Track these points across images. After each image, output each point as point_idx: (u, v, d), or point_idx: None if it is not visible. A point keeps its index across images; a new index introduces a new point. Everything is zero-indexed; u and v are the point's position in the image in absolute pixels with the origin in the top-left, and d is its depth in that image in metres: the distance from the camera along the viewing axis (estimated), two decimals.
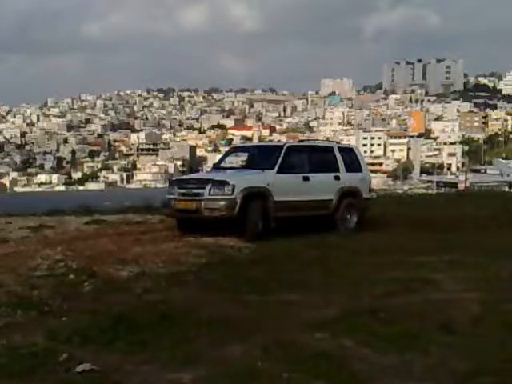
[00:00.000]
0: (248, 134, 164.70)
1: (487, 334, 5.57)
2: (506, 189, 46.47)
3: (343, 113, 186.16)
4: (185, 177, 13.28)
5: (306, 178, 12.27)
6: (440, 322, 5.83)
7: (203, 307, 6.50)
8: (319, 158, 12.96)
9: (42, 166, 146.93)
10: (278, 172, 11.91)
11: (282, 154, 12.17)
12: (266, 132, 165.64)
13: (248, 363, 4.85)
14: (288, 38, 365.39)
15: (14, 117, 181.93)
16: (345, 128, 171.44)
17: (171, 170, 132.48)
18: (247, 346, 5.22)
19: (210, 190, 11.31)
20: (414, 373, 4.75)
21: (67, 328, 5.79)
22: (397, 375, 4.69)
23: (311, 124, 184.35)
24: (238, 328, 5.76)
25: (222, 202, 11.19)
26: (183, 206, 11.66)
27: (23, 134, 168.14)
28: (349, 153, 13.57)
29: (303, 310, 6.38)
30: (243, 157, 13.69)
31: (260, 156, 13.18)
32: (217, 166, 13.46)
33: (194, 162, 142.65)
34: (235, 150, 14.89)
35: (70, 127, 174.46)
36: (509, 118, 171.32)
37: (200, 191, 11.44)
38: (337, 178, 12.91)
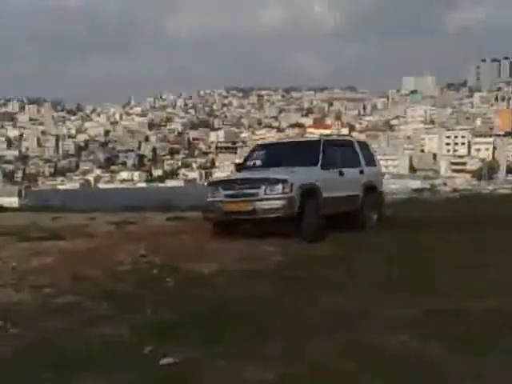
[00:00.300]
0: (327, 132, 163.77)
1: None
2: None
3: (425, 111, 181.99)
4: (230, 177, 12.30)
5: (341, 173, 12.01)
6: None
7: (281, 305, 6.48)
8: (346, 152, 12.64)
9: (124, 164, 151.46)
10: (321, 168, 11.62)
11: (321, 150, 11.86)
12: (345, 130, 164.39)
13: (326, 363, 4.76)
14: (369, 35, 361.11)
15: (99, 116, 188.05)
16: (427, 127, 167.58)
17: None
18: (325, 345, 5.13)
19: (265, 190, 10.81)
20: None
21: (151, 322, 5.90)
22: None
23: (392, 122, 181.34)
24: (315, 326, 5.69)
25: (282, 201, 10.72)
26: (235, 207, 11.00)
27: (107, 133, 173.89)
28: (365, 148, 13.41)
29: (383, 310, 6.20)
30: (271, 155, 12.83)
31: (294, 153, 12.47)
32: (244, 166, 12.75)
33: None
34: (261, 148, 13.73)
35: (151, 126, 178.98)
36: None
37: (254, 191, 10.90)
38: (361, 172, 12.71)
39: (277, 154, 12.77)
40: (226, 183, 11.51)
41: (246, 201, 10.92)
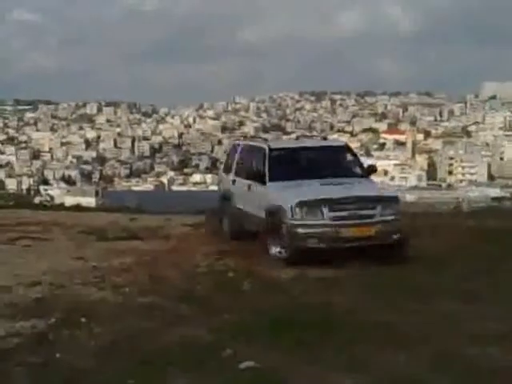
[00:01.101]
0: (401, 138, 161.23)
1: None
2: None
3: (505, 117, 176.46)
4: (332, 196, 9.37)
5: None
6: None
7: (361, 312, 6.41)
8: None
9: (197, 166, 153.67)
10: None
11: (358, 157, 11.08)
12: (420, 136, 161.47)
13: (413, 373, 4.69)
14: (446, 39, 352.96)
15: (173, 118, 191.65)
16: (507, 133, 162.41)
17: None
18: (411, 355, 5.05)
19: (381, 210, 9.30)
20: None
21: (230, 325, 5.93)
22: None
23: (469, 129, 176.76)
24: (400, 335, 5.58)
25: (398, 223, 9.37)
26: (357, 232, 9.17)
27: (180, 135, 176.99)
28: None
29: (469, 322, 6.01)
30: (286, 161, 10.77)
31: (323, 160, 10.84)
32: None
33: None
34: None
35: (224, 129, 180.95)
36: None
37: (370, 212, 9.29)
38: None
39: (294, 160, 10.87)
40: (331, 202, 9.20)
41: (364, 224, 9.24)
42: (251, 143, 12.05)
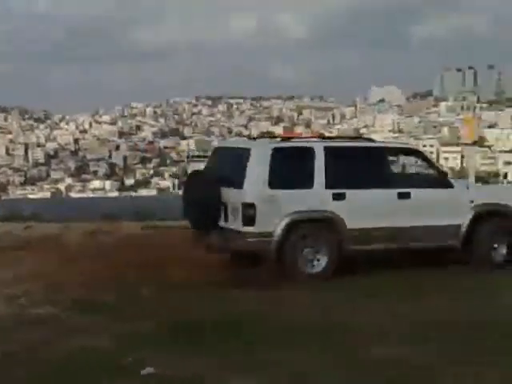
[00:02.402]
0: None
1: None
2: None
3: (393, 120, 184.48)
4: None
5: None
6: None
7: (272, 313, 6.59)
8: None
9: (95, 172, 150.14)
10: None
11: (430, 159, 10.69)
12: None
13: (314, 372, 4.86)
14: (336, 45, 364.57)
15: (67, 124, 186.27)
16: (395, 135, 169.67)
17: None
18: (314, 354, 5.17)
19: None
20: None
21: (132, 332, 6.00)
22: None
23: (361, 131, 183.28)
24: (305, 335, 5.76)
25: None
26: None
27: (76, 141, 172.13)
28: None
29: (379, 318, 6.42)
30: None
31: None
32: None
33: None
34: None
35: (121, 134, 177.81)
36: None
37: None
38: None
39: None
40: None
41: None
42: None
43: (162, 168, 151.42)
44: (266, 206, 8.53)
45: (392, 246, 9.07)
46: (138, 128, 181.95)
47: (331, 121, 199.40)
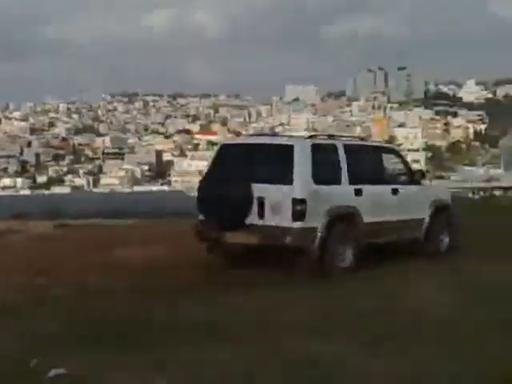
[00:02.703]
0: (214, 138, 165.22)
1: None
2: (470, 195, 48.20)
3: (308, 119, 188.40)
4: None
5: None
6: None
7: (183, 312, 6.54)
8: None
9: (5, 170, 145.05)
10: None
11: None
12: (231, 137, 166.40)
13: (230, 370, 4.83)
14: (252, 43, 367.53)
15: None
16: (310, 134, 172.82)
17: (138, 174, 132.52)
18: (232, 352, 5.14)
19: None
20: None
21: (40, 333, 5.82)
22: None
23: (277, 130, 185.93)
24: (221, 333, 5.81)
25: None
26: None
27: None
28: None
29: (290, 315, 6.83)
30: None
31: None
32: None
33: (160, 167, 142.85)
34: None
35: (32, 130, 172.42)
36: (470, 125, 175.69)
37: None
38: None
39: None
40: None
41: None
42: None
43: (76, 165, 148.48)
44: (312, 201, 8.60)
45: (393, 238, 9.84)
46: (52, 124, 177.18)
47: (247, 119, 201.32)
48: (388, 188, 9.80)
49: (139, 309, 6.78)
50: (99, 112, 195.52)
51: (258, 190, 8.64)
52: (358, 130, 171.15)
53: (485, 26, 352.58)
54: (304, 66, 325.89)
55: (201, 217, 9.27)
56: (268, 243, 8.61)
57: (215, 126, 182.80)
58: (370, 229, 9.31)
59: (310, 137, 9.64)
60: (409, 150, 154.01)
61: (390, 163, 10.37)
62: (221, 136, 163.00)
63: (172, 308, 6.78)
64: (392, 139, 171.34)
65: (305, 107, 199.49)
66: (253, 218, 8.73)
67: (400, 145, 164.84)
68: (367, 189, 9.39)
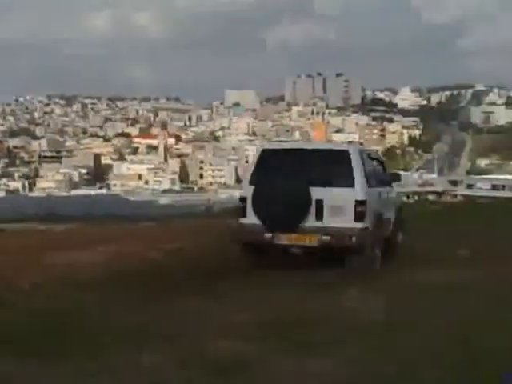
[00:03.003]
0: (153, 142, 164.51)
1: None
2: (405, 199, 49.84)
3: (248, 123, 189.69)
4: None
5: None
6: None
7: (113, 314, 6.38)
8: None
9: None
10: None
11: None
12: (171, 141, 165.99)
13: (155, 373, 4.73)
14: (193, 47, 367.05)
15: None
16: (250, 138, 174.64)
17: (76, 178, 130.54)
18: (159, 355, 5.05)
19: None
20: None
21: None
22: None
23: (217, 134, 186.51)
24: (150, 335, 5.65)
25: None
26: None
27: None
28: None
29: (219, 317, 6.98)
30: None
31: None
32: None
33: (98, 170, 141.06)
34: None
35: None
36: (405, 131, 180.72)
37: None
38: None
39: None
40: None
41: None
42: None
43: (11, 168, 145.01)
44: (369, 203, 8.92)
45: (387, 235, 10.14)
46: None
47: (187, 123, 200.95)
48: (377, 190, 9.89)
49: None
50: (36, 114, 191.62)
51: (316, 192, 8.80)
52: (297, 135, 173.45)
53: (419, 36, 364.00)
54: (244, 70, 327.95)
55: (245, 220, 9.18)
56: (332, 244, 8.77)
57: (155, 130, 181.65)
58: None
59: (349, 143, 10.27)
60: None
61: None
62: (161, 140, 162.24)
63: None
64: None
65: (245, 112, 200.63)
66: (310, 220, 8.82)
67: None
68: (380, 191, 9.92)
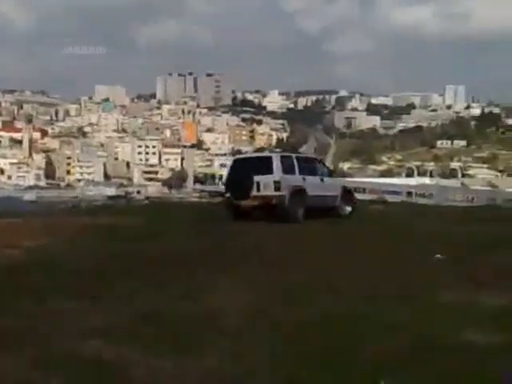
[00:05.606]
0: (17, 136, 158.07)
1: None
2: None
3: (117, 120, 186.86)
4: None
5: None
6: None
7: None
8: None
9: None
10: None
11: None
12: (37, 135, 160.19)
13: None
14: (61, 40, 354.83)
15: None
16: (120, 135, 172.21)
17: None
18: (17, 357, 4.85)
19: None
20: None
21: None
22: None
23: (85, 129, 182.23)
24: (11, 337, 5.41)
25: None
26: None
27: None
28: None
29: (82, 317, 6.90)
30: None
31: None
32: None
33: None
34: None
35: None
36: (273, 133, 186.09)
37: None
38: None
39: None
40: None
41: None
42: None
43: None
44: (282, 182, 15.49)
45: (323, 205, 16.41)
46: None
47: (54, 117, 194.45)
48: (318, 178, 16.78)
49: None
50: None
51: (256, 178, 15.40)
52: (168, 133, 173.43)
53: (290, 41, 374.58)
54: (115, 67, 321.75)
55: (228, 195, 15.90)
56: (264, 203, 15.29)
57: (19, 123, 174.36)
58: (311, 199, 15.95)
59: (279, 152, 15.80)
60: (216, 155, 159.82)
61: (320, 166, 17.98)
62: (25, 134, 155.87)
63: None
64: (201, 143, 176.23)
65: (114, 108, 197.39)
66: (254, 192, 15.40)
67: (208, 149, 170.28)
68: (308, 178, 16.34)
